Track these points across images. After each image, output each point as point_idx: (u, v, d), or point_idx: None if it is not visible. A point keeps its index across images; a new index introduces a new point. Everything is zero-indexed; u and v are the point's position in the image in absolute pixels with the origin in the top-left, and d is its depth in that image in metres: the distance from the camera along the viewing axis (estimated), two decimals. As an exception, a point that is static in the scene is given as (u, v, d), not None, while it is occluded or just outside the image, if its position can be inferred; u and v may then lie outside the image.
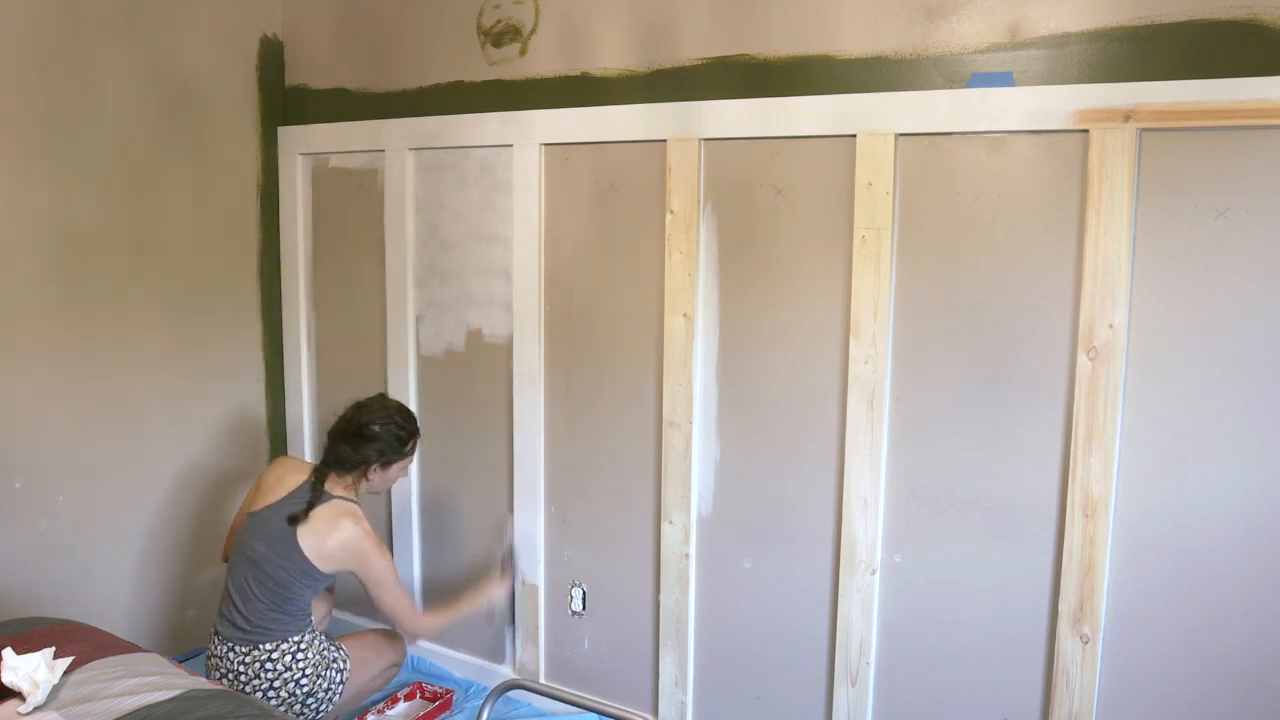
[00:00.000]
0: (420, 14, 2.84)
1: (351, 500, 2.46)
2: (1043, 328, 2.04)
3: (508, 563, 2.81)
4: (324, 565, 2.38)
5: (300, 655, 2.41)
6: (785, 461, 2.37)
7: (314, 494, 2.41)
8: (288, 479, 2.48)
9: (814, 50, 2.24)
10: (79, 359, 2.72)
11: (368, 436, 2.45)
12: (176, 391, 2.98)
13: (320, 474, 2.46)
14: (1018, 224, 2.05)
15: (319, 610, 2.75)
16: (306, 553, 2.36)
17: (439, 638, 3.04)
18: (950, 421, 2.16)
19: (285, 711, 2.39)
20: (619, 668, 2.71)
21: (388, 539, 3.08)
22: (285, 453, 3.29)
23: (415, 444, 2.56)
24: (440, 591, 3.01)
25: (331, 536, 2.37)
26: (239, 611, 2.41)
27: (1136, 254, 1.94)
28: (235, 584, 2.44)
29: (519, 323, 2.72)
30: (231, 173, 3.07)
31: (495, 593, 2.75)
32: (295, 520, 2.37)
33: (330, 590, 2.89)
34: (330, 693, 2.46)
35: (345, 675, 2.50)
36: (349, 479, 2.47)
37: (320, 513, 2.39)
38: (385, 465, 2.49)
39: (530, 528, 2.78)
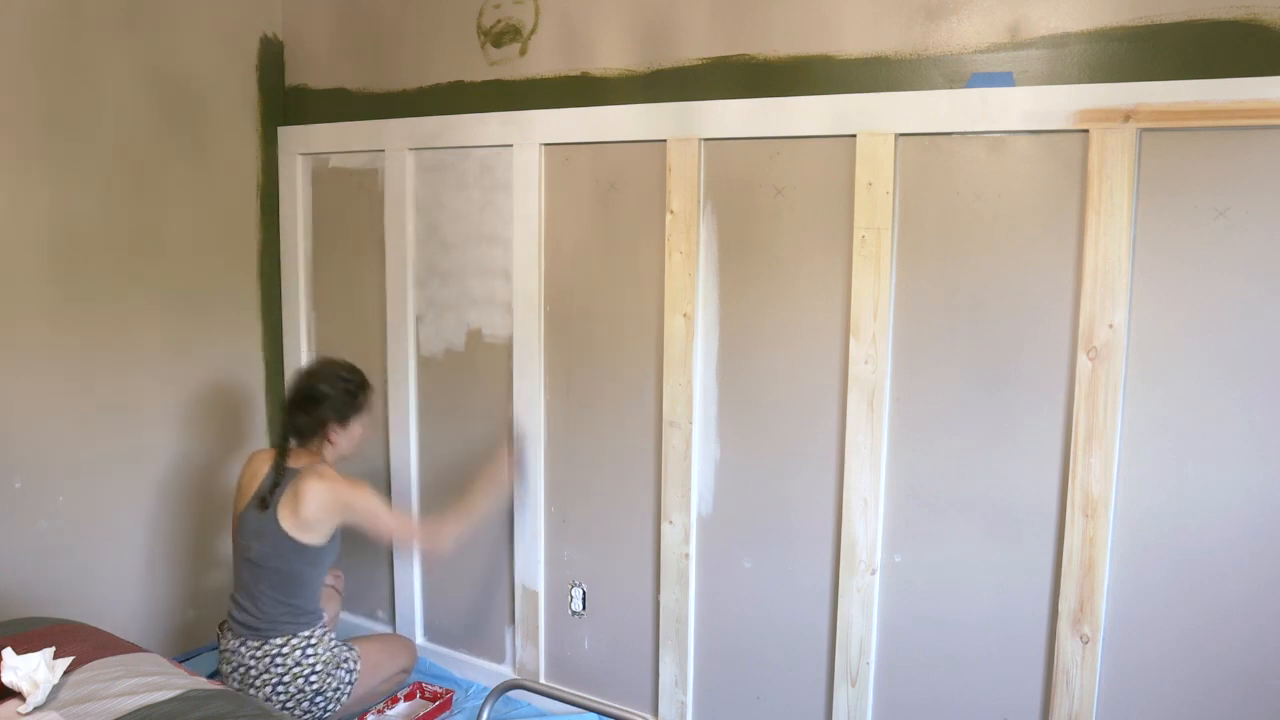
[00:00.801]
0: (420, 14, 2.84)
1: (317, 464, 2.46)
2: (1043, 328, 2.04)
3: (513, 446, 2.76)
4: (310, 537, 2.39)
5: (310, 650, 2.42)
6: (785, 461, 2.37)
7: (278, 474, 2.43)
8: (261, 470, 2.50)
9: (814, 50, 2.24)
10: (79, 359, 2.72)
11: (318, 398, 2.47)
12: (176, 391, 2.98)
13: (281, 451, 2.47)
14: (1018, 224, 2.05)
15: (327, 611, 2.75)
16: (290, 532, 2.37)
17: (440, 637, 3.04)
18: (950, 421, 2.16)
19: (293, 708, 2.40)
20: (619, 668, 2.71)
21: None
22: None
23: (367, 396, 2.57)
24: (445, 594, 3.02)
25: (305, 505, 2.38)
26: (247, 610, 2.42)
27: (1136, 254, 1.93)
28: (240, 585, 2.46)
29: (519, 323, 2.72)
30: (231, 173, 3.07)
31: (503, 479, 2.68)
32: (267, 505, 2.39)
33: (339, 591, 2.89)
34: (339, 692, 2.46)
35: (355, 676, 2.50)
36: (312, 447, 2.49)
37: (288, 489, 2.40)
38: (344, 423, 2.50)
39: (531, 528, 2.78)
